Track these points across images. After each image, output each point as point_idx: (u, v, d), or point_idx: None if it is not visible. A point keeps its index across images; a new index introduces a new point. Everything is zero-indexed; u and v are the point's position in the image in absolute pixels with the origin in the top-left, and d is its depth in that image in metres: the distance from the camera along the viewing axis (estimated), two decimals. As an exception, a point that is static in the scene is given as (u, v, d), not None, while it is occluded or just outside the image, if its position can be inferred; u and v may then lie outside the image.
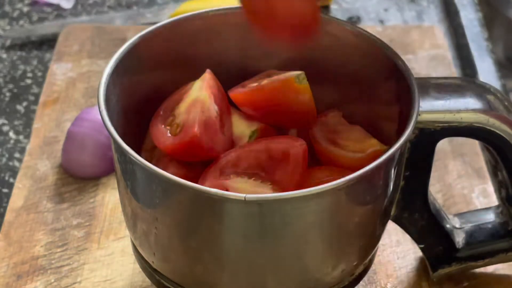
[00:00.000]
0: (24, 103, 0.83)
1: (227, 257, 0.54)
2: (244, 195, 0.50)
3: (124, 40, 0.87)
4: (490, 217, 0.65)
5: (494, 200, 0.72)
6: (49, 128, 0.78)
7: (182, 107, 0.59)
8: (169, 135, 0.59)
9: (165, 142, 0.58)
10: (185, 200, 0.52)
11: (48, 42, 0.91)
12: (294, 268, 0.55)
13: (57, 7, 0.96)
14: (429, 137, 0.59)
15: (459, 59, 0.90)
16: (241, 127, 0.61)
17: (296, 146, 0.56)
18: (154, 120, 0.60)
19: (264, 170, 0.56)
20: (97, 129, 0.72)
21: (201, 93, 0.59)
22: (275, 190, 0.55)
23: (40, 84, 0.85)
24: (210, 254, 0.54)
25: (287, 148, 0.55)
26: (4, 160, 0.77)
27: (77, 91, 0.83)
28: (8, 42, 0.91)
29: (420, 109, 0.56)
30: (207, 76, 0.61)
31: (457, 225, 0.65)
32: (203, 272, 0.55)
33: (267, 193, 0.55)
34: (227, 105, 0.62)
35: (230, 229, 0.53)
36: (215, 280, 0.55)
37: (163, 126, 0.59)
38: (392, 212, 0.61)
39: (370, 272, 0.62)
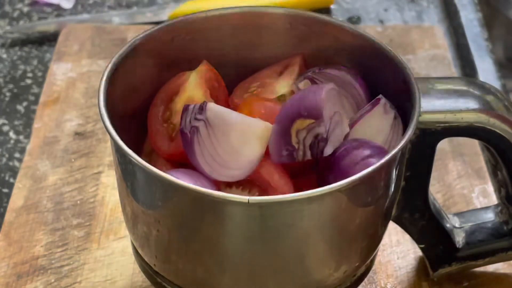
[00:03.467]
0: (24, 103, 0.83)
1: (229, 259, 0.54)
2: (247, 197, 0.50)
3: (124, 40, 0.88)
4: (490, 216, 0.65)
5: (494, 200, 0.72)
6: (49, 128, 0.78)
7: (178, 104, 0.59)
8: (166, 138, 0.59)
9: (162, 148, 0.59)
10: (187, 202, 0.52)
11: (48, 42, 0.91)
12: (296, 270, 0.55)
13: (57, 7, 0.96)
14: (429, 137, 0.59)
15: (459, 59, 0.90)
16: None
17: (281, 189, 0.55)
18: (151, 112, 0.60)
19: (256, 184, 0.56)
20: None
21: (196, 92, 0.59)
22: None
23: (40, 84, 0.85)
24: (212, 256, 0.54)
25: (272, 187, 0.56)
26: (4, 160, 0.77)
27: (77, 91, 0.83)
28: (8, 42, 0.91)
29: (421, 109, 0.56)
30: (203, 69, 0.61)
31: (457, 225, 0.65)
32: (204, 274, 0.55)
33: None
34: (225, 95, 0.61)
35: (233, 231, 0.53)
36: (217, 282, 0.55)
37: (159, 124, 0.59)
38: (393, 212, 0.61)
39: (370, 272, 0.62)
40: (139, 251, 0.59)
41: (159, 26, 0.61)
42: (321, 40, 0.63)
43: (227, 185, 0.56)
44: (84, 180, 0.73)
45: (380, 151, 0.55)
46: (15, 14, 0.95)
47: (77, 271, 0.66)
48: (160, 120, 0.60)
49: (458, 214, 0.66)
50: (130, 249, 0.67)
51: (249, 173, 0.55)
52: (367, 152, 0.55)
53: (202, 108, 0.55)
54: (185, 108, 0.55)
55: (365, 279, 0.61)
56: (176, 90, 0.60)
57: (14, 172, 0.75)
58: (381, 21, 0.95)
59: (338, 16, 0.95)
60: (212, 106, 0.55)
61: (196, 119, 0.55)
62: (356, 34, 0.61)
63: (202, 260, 0.55)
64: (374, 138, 0.57)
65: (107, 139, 0.77)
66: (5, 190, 0.74)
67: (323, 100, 0.54)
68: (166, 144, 0.58)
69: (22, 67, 0.88)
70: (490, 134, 0.59)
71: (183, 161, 0.57)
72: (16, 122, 0.81)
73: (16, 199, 0.71)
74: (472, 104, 0.59)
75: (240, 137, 0.54)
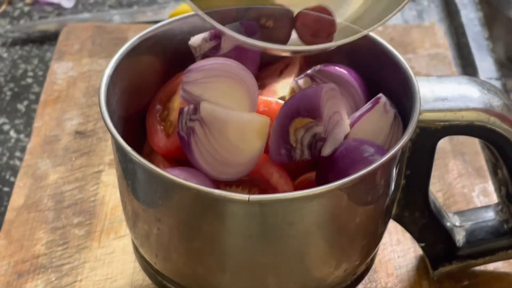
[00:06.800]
0: (25, 102, 0.83)
1: (229, 257, 0.54)
2: (247, 195, 0.50)
3: (124, 39, 0.88)
4: (490, 215, 0.66)
5: (494, 199, 0.72)
6: (49, 127, 0.78)
7: (176, 102, 0.59)
8: (163, 135, 0.59)
9: (159, 144, 0.59)
10: (187, 200, 0.52)
11: (49, 41, 0.91)
12: (296, 268, 0.55)
13: (57, 6, 0.96)
14: (430, 136, 0.59)
15: (459, 59, 0.90)
16: None
17: (281, 188, 0.56)
18: (150, 111, 0.60)
19: (256, 183, 0.56)
20: None
21: None
22: None
23: (41, 83, 0.85)
24: (212, 254, 0.54)
25: (272, 186, 0.56)
26: (4, 159, 0.77)
27: (77, 90, 0.83)
28: (9, 41, 0.91)
29: (421, 108, 0.56)
30: None
31: (457, 224, 0.65)
32: (205, 272, 0.55)
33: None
34: None
35: (233, 229, 0.53)
36: (217, 280, 0.55)
37: (157, 123, 0.59)
38: (393, 211, 0.61)
39: (370, 271, 0.62)
40: (140, 249, 0.59)
41: (160, 25, 0.61)
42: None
43: (226, 185, 0.56)
44: (84, 179, 0.73)
45: (380, 151, 0.55)
46: (16, 13, 0.95)
47: (77, 269, 0.66)
48: (158, 119, 0.60)
49: (459, 213, 0.66)
50: (130, 248, 0.67)
51: (251, 169, 0.55)
52: (366, 151, 0.55)
53: (196, 108, 0.55)
54: (181, 111, 0.55)
55: (366, 278, 0.61)
56: (174, 89, 0.60)
57: (14, 171, 0.76)
58: (382, 20, 0.95)
59: (339, 15, 0.95)
60: (205, 105, 0.54)
61: (191, 120, 0.55)
62: (357, 33, 0.61)
63: (202, 259, 0.55)
64: (374, 137, 0.57)
65: (107, 138, 0.77)
66: (6, 189, 0.74)
67: (322, 100, 0.54)
68: (163, 140, 0.58)
69: (22, 66, 0.88)
70: (490, 132, 0.59)
71: (181, 157, 0.57)
72: (16, 121, 0.81)
73: (17, 198, 0.72)
74: (472, 103, 0.59)
75: (238, 133, 0.54)
